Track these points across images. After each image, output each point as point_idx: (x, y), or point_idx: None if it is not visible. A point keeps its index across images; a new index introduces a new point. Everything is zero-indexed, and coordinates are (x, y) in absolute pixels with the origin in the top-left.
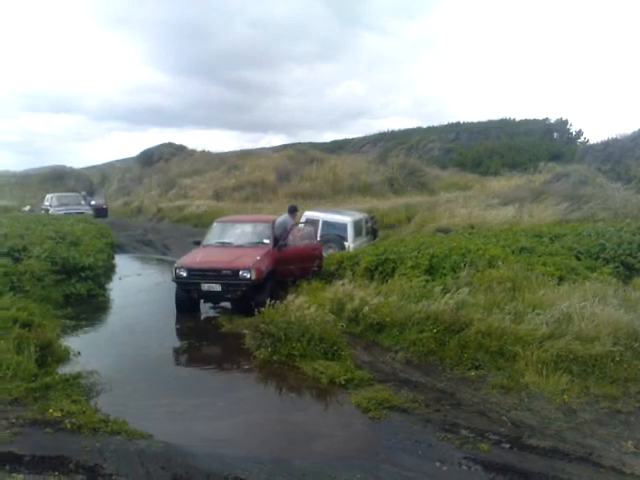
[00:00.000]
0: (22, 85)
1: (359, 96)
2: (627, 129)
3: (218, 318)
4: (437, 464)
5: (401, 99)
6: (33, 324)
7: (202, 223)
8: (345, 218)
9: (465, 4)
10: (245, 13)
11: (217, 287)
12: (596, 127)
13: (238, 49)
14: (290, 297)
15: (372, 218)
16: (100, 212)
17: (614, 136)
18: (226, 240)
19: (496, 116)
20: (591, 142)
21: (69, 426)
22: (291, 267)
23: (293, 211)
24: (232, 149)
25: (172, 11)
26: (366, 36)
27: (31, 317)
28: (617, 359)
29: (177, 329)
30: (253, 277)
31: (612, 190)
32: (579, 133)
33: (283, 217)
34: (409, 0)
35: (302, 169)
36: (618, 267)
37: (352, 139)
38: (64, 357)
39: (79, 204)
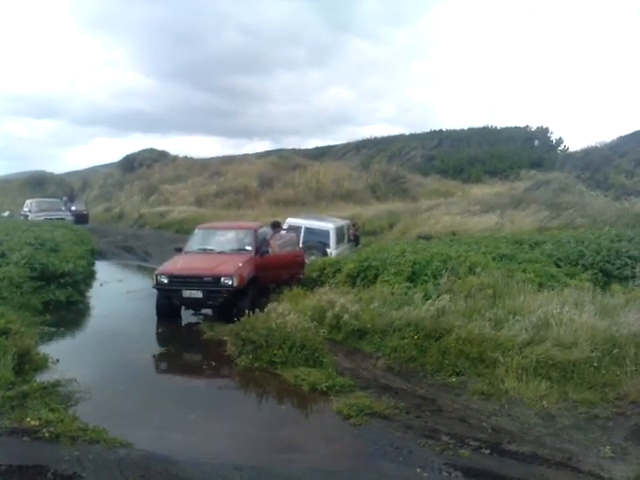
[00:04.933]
0: (6, 89)
1: (345, 102)
2: (606, 137)
3: (199, 325)
4: (418, 470)
5: (386, 106)
6: (11, 331)
7: (184, 229)
8: (327, 225)
9: (452, 13)
10: (235, 18)
11: (198, 294)
12: (576, 135)
13: (226, 54)
14: (272, 304)
15: (354, 225)
16: (80, 218)
17: (594, 144)
18: (208, 247)
19: (479, 124)
20: (571, 150)
21: (47, 435)
22: (273, 274)
23: (276, 227)
24: (215, 155)
25: (160, 14)
26: (355, 42)
27: (9, 324)
28: (595, 365)
29: (158, 336)
30: (235, 284)
31: (591, 198)
32: (559, 141)
33: (265, 229)
34: (399, 7)
35: (285, 176)
36: (596, 274)
37: (335, 146)
38: (42, 365)
39: (59, 210)
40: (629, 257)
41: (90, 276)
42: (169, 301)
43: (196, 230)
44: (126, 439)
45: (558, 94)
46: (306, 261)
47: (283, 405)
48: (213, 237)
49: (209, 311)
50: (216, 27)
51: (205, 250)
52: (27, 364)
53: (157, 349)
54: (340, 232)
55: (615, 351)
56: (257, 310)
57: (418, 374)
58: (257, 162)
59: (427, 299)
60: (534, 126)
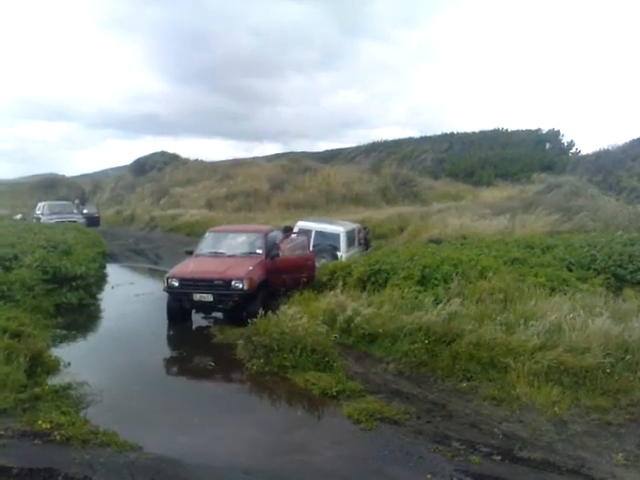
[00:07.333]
0: (19, 93)
1: (356, 105)
2: (618, 140)
3: (210, 328)
4: (428, 476)
5: (397, 108)
6: (23, 334)
7: (194, 232)
8: (338, 228)
9: (464, 15)
10: (246, 20)
11: (209, 297)
12: (588, 138)
13: (238, 57)
14: (283, 307)
15: (365, 229)
16: (92, 221)
17: (605, 147)
18: (218, 250)
19: (489, 126)
20: (583, 153)
21: (58, 438)
22: (283, 277)
23: (287, 231)
24: (226, 158)
25: (172, 16)
26: (366, 44)
27: (21, 327)
28: (608, 371)
29: (169, 339)
30: (245, 287)
31: (603, 201)
32: (571, 144)
33: (276, 232)
34: (410, 9)
35: (295, 179)
36: (609, 278)
37: (345, 149)
38: (54, 367)
39: (71, 212)
40: None
41: (102, 279)
42: (180, 304)
43: (207, 233)
44: (137, 442)
45: (570, 97)
46: (316, 265)
47: (294, 409)
48: (224, 240)
49: (220, 314)
50: (227, 30)
51: (216, 253)
52: (39, 367)
53: (168, 352)
54: (351, 236)
55: (628, 357)
56: (268, 314)
57: (429, 379)
58: (267, 165)
59: (438, 303)
60: (545, 129)
